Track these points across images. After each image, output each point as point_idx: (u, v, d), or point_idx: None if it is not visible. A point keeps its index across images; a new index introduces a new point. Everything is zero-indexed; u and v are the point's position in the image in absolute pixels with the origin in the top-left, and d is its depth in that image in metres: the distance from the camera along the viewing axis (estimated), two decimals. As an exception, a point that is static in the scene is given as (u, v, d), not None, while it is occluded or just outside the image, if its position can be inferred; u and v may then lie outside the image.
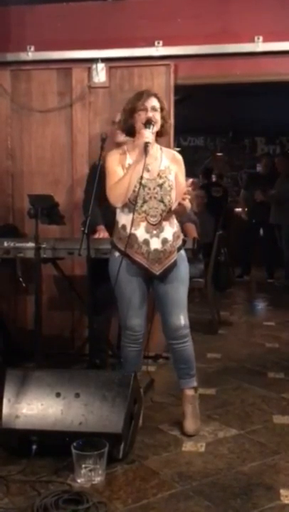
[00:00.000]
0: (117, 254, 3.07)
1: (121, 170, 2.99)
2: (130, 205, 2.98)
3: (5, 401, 2.81)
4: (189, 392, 3.18)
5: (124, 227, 3.03)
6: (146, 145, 2.87)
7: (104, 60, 4.28)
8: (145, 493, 2.51)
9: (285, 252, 7.42)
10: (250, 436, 3.07)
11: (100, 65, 4.28)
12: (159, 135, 3.08)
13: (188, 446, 2.97)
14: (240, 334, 5.24)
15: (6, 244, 3.73)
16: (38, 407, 2.80)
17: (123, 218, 3.04)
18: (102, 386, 2.82)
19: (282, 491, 2.51)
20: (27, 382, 2.87)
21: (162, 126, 3.03)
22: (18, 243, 3.75)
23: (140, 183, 2.89)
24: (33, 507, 2.33)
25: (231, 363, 4.34)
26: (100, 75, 4.29)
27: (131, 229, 2.96)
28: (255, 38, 4.13)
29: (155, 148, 3.06)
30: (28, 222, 4.03)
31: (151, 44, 4.23)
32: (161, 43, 4.22)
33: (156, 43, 4.22)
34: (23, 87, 4.44)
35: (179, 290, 3.08)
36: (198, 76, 4.20)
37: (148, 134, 2.89)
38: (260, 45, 4.13)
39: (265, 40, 4.12)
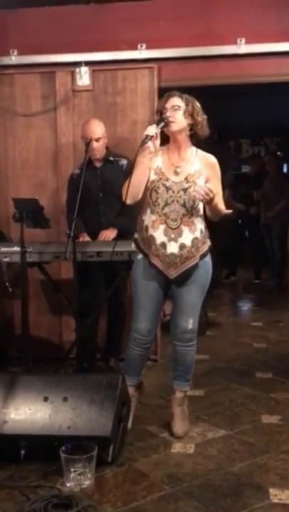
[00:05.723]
0: (139, 256, 3.10)
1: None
2: (152, 207, 2.99)
3: (-8, 406, 2.80)
4: (179, 395, 3.19)
5: (146, 228, 3.04)
6: (144, 137, 2.87)
7: (87, 63, 4.27)
8: (135, 495, 2.50)
9: (276, 252, 7.45)
10: (239, 437, 3.08)
11: (84, 69, 4.27)
12: (194, 135, 3.04)
13: (177, 447, 2.97)
14: (228, 335, 5.25)
15: (-9, 248, 3.71)
16: (26, 412, 2.78)
17: (146, 219, 3.05)
18: (90, 389, 2.82)
19: (271, 490, 2.52)
20: (15, 387, 2.85)
21: (192, 125, 3.00)
22: (4, 247, 3.74)
23: (130, 177, 2.91)
24: (22, 512, 2.32)
25: (219, 363, 4.35)
26: (84, 78, 4.28)
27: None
28: (238, 40, 4.13)
29: (190, 151, 3.05)
30: (14, 226, 4.01)
31: (135, 47, 4.22)
32: (144, 45, 4.22)
33: (139, 46, 4.22)
34: (6, 91, 4.41)
35: (192, 294, 3.07)
36: (181, 78, 4.19)
37: (150, 129, 2.89)
38: (243, 47, 4.14)
39: (247, 42, 4.13)
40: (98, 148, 3.81)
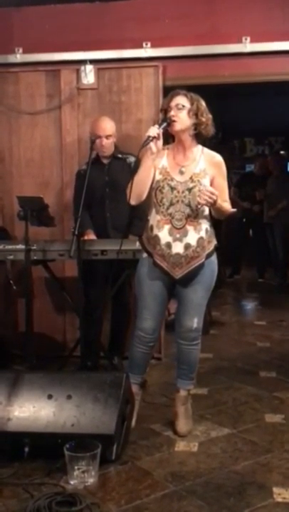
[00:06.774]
0: (144, 255, 3.10)
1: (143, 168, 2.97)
2: (157, 207, 2.99)
3: (-4, 404, 2.80)
4: (183, 393, 3.19)
5: (151, 227, 3.03)
6: (146, 138, 2.86)
7: (92, 61, 4.27)
8: (138, 493, 2.50)
9: (278, 252, 7.43)
10: (242, 436, 3.08)
11: (89, 67, 4.27)
12: (199, 135, 3.01)
13: (181, 446, 2.97)
14: (232, 334, 5.25)
15: (-5, 246, 3.72)
16: (30, 410, 2.79)
17: (151, 219, 3.05)
18: (94, 387, 2.82)
19: (274, 489, 2.52)
20: (19, 385, 2.86)
21: (196, 124, 2.97)
22: (8, 245, 3.74)
23: (131, 179, 2.90)
24: (26, 510, 2.33)
25: (223, 362, 4.35)
26: (89, 76, 4.28)
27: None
28: (243, 38, 4.13)
29: (195, 150, 3.04)
30: (18, 225, 4.02)
31: (140, 45, 4.22)
32: (149, 44, 4.22)
33: (144, 45, 4.22)
34: (11, 89, 4.42)
35: (197, 293, 3.06)
36: (186, 77, 4.19)
37: (152, 130, 2.88)
38: (248, 46, 4.13)
39: (252, 41, 4.12)
40: (107, 145, 3.81)
